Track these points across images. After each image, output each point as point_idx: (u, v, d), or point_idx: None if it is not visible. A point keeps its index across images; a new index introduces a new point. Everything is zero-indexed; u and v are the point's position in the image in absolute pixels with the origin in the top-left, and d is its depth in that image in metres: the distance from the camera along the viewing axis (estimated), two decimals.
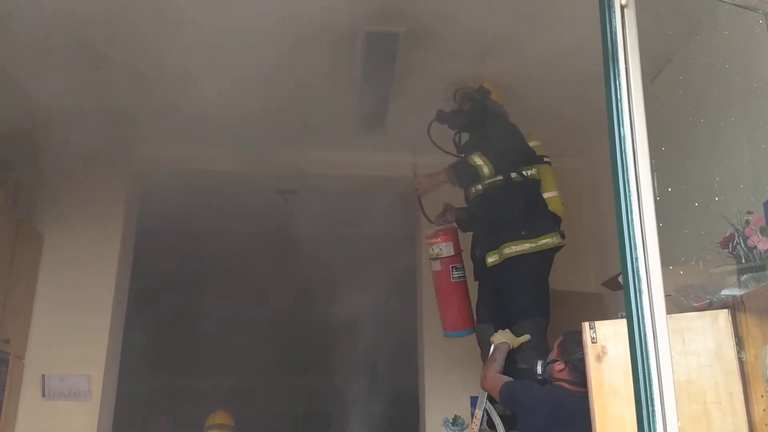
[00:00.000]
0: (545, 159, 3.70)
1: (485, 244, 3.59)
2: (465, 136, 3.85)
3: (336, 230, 5.28)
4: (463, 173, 3.54)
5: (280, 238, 5.12)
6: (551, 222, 3.54)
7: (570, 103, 4.14)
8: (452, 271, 3.64)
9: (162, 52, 3.62)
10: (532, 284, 3.44)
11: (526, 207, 3.52)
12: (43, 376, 4.24)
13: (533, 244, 3.44)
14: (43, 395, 4.22)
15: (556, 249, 3.52)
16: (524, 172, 3.57)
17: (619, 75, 1.65)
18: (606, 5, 1.75)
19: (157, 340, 5.11)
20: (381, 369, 5.48)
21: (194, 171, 4.72)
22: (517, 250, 3.44)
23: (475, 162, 3.49)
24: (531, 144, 3.69)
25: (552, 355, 2.96)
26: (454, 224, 3.77)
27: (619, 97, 1.64)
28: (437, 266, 3.68)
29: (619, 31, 1.69)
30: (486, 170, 3.48)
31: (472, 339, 3.70)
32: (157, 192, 4.92)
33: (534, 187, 3.59)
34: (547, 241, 3.45)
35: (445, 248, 3.66)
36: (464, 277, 3.68)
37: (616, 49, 1.68)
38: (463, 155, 3.72)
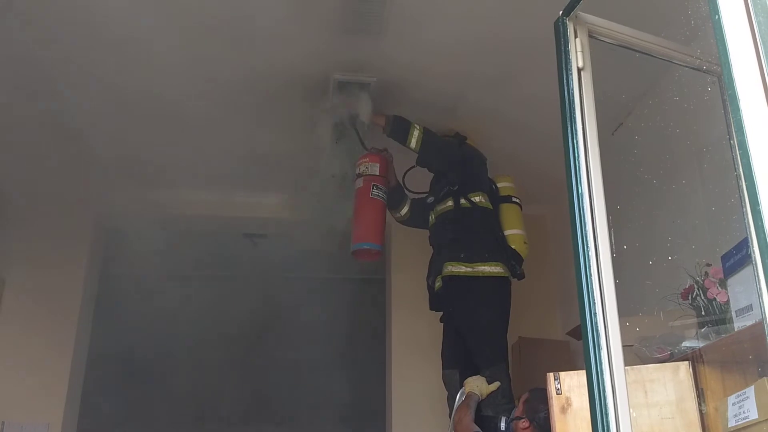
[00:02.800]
0: (513, 199, 3.76)
1: (434, 270, 3.63)
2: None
3: (305, 275, 5.26)
4: (396, 127, 3.62)
5: (248, 282, 5.08)
6: (498, 253, 3.52)
7: (539, 151, 4.21)
8: (372, 188, 3.71)
9: (129, 96, 3.62)
10: (481, 317, 3.41)
11: (470, 232, 3.55)
12: (2, 423, 4.10)
13: (469, 269, 3.44)
14: None
15: (501, 280, 3.48)
16: (473, 199, 3.62)
17: (576, 134, 1.71)
18: (564, 67, 1.81)
19: (119, 387, 4.97)
20: (349, 413, 5.40)
21: (160, 214, 4.68)
22: (453, 270, 3.46)
23: (412, 130, 3.58)
24: (501, 184, 3.78)
25: (517, 412, 2.95)
26: (388, 156, 3.85)
27: (576, 155, 1.69)
28: (359, 183, 3.76)
29: (576, 92, 1.76)
30: (413, 144, 3.57)
31: (441, 391, 3.67)
32: (122, 236, 4.86)
33: (483, 214, 3.63)
34: (484, 268, 3.44)
35: (370, 167, 3.76)
36: (384, 200, 3.75)
37: (574, 110, 1.74)
38: (432, 197, 3.79)
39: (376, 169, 3.76)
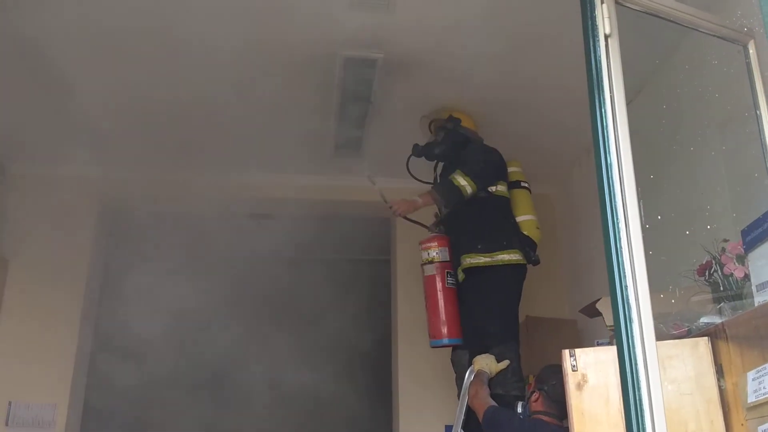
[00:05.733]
0: (522, 184, 3.73)
1: (453, 261, 3.60)
2: (441, 166, 3.88)
3: (310, 256, 5.22)
4: (448, 194, 3.50)
5: (253, 263, 5.04)
6: (515, 240, 3.53)
7: (546, 130, 4.19)
8: (447, 277, 3.53)
9: (132, 72, 3.57)
10: (494, 300, 3.43)
11: (486, 222, 3.54)
12: (9, 402, 4.09)
13: (488, 259, 3.43)
14: (7, 424, 4.06)
15: (519, 267, 3.50)
16: (489, 189, 3.59)
17: (604, 103, 1.66)
18: (590, 35, 1.76)
19: (125, 370, 4.94)
20: (354, 397, 5.39)
21: (164, 196, 4.63)
22: (472, 262, 3.45)
23: (458, 182, 3.49)
24: (510, 169, 3.75)
25: (529, 389, 2.95)
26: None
27: (605, 125, 1.65)
28: (431, 270, 3.56)
29: (604, 60, 1.71)
30: (469, 190, 3.48)
31: (448, 367, 3.66)
32: (127, 216, 4.82)
33: (499, 203, 3.61)
34: (503, 256, 3.45)
35: (441, 253, 3.57)
36: (457, 285, 3.57)
37: (601, 78, 1.69)
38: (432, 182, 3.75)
39: (446, 254, 3.57)
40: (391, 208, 3.59)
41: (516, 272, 3.50)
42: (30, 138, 4.17)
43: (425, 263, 3.61)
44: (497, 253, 3.45)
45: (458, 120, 3.79)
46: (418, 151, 3.80)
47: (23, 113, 3.89)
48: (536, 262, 3.61)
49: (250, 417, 5.47)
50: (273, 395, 5.22)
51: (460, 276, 3.55)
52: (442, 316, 3.47)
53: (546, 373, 2.87)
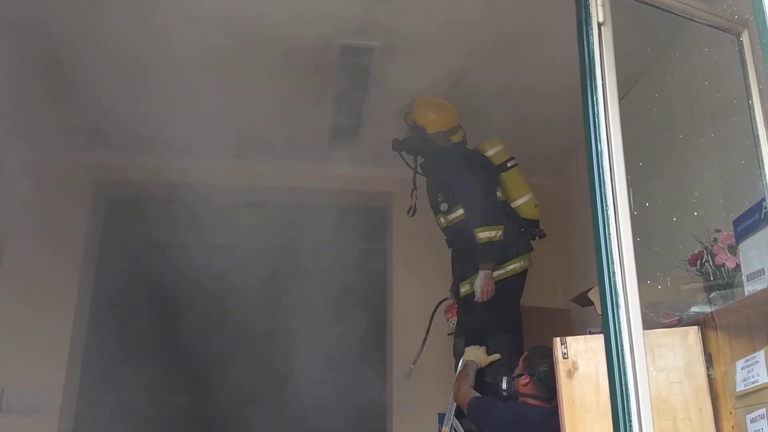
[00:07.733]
0: (509, 164, 3.66)
1: (458, 273, 3.63)
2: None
3: (305, 244, 5.23)
4: (491, 255, 3.43)
5: (247, 251, 5.05)
6: (520, 244, 3.53)
7: (540, 121, 4.18)
8: None
9: (129, 64, 3.56)
10: (504, 306, 3.46)
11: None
12: (2, 389, 4.11)
13: (501, 271, 3.46)
14: (0, 409, 4.08)
15: (524, 273, 3.54)
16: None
17: (596, 91, 1.67)
18: (584, 23, 1.77)
19: (119, 356, 4.96)
20: (348, 385, 5.42)
21: (159, 182, 4.64)
22: None
23: (486, 238, 3.42)
24: (493, 150, 3.68)
25: (517, 370, 2.96)
26: None
27: (596, 113, 1.66)
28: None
29: (597, 48, 1.72)
30: (498, 233, 3.42)
31: (443, 355, 3.69)
32: (121, 202, 4.82)
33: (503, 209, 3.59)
34: (515, 266, 3.48)
35: None
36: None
37: (594, 67, 1.70)
38: (446, 204, 3.67)
39: None
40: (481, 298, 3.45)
41: (522, 279, 3.53)
42: (24, 122, 4.16)
43: (450, 334, 3.73)
44: (508, 263, 3.46)
45: (423, 129, 3.67)
46: (398, 146, 3.76)
47: (17, 97, 3.87)
48: (542, 236, 3.61)
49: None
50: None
51: (465, 289, 3.56)
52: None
53: (535, 357, 2.89)
